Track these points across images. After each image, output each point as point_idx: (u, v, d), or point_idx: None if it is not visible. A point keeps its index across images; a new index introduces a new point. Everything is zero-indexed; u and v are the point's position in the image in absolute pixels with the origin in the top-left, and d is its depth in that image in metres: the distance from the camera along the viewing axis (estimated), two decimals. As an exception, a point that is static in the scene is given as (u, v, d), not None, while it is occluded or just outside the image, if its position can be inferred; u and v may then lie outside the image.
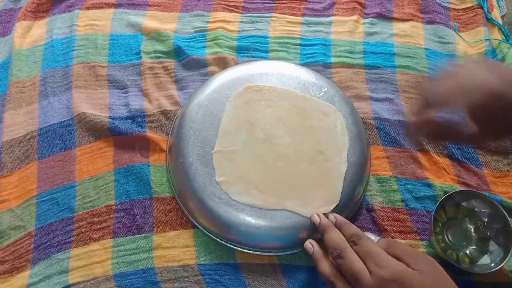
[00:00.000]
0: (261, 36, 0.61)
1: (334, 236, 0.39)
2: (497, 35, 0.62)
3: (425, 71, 0.59)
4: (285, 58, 0.60)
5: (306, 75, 0.54)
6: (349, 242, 0.38)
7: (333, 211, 0.45)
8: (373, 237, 0.39)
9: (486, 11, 0.64)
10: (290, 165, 0.47)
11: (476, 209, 0.47)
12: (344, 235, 0.39)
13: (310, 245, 0.41)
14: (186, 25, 0.63)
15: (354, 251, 0.37)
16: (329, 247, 0.39)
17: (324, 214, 0.44)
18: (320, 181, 0.46)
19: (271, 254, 0.46)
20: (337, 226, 0.41)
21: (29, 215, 0.49)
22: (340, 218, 0.43)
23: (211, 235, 0.47)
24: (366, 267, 0.35)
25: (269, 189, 0.46)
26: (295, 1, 0.65)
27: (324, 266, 0.38)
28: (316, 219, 0.43)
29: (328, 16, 0.64)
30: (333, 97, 0.52)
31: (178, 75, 0.58)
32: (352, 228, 0.40)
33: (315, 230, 0.45)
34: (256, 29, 0.62)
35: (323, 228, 0.41)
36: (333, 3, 0.65)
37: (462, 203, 0.47)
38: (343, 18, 0.63)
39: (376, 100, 0.56)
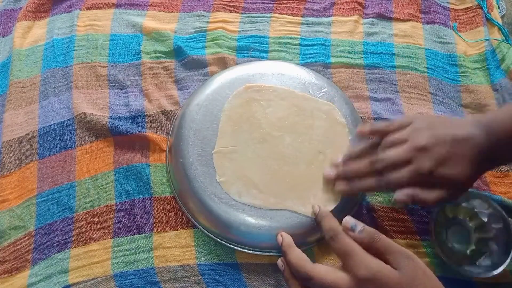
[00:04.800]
0: (261, 36, 0.61)
1: (294, 259, 0.38)
2: (496, 35, 0.62)
3: (425, 72, 0.59)
4: (285, 58, 0.60)
5: (306, 75, 0.54)
6: (326, 237, 0.37)
7: (333, 211, 0.45)
8: (355, 224, 0.36)
9: (485, 11, 0.64)
10: (290, 165, 0.47)
11: (476, 210, 0.47)
12: (322, 228, 0.39)
13: (282, 262, 0.40)
14: (186, 25, 0.63)
15: (332, 247, 0.36)
16: (293, 271, 0.37)
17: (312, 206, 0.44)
18: (320, 181, 0.46)
19: (271, 254, 0.46)
20: (318, 218, 0.41)
21: (29, 215, 0.49)
22: (322, 210, 0.42)
23: (211, 235, 0.47)
24: (344, 266, 0.35)
25: (269, 189, 0.46)
26: (295, 1, 0.65)
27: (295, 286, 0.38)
28: (279, 239, 0.42)
29: (328, 16, 0.64)
30: (333, 97, 0.52)
31: (178, 75, 0.58)
32: (331, 223, 0.39)
33: (315, 231, 0.45)
34: (256, 29, 0.62)
35: (283, 249, 0.40)
36: (333, 3, 0.65)
37: (462, 204, 0.47)
38: (343, 18, 0.63)
39: (376, 100, 0.56)
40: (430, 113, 0.55)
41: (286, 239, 0.41)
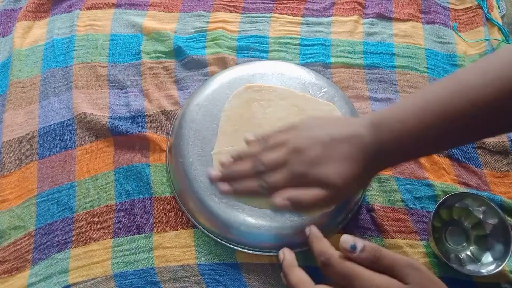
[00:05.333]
0: (261, 36, 0.61)
1: (294, 279, 0.35)
2: (496, 35, 0.62)
3: (425, 72, 0.59)
4: (285, 58, 0.60)
5: (306, 75, 0.54)
6: (319, 262, 0.35)
7: (333, 211, 0.45)
8: (354, 244, 0.33)
9: (485, 11, 0.64)
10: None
11: (470, 208, 0.47)
12: (312, 252, 0.36)
13: (283, 254, 0.39)
14: (186, 25, 0.63)
15: (329, 273, 0.34)
16: None
17: (308, 224, 0.40)
18: (320, 181, 0.46)
19: (271, 254, 0.46)
20: (308, 240, 0.38)
21: (29, 215, 0.49)
22: (313, 231, 0.38)
23: (211, 235, 0.47)
24: None
25: (269, 189, 0.46)
26: (295, 1, 0.65)
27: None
28: (281, 257, 0.39)
29: (328, 16, 0.64)
30: (333, 97, 0.52)
31: (178, 75, 0.58)
32: (321, 246, 0.35)
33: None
34: (256, 29, 0.62)
35: (284, 269, 0.37)
36: (333, 3, 0.65)
37: (455, 204, 0.47)
38: (343, 18, 0.63)
39: (376, 100, 0.56)
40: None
41: (288, 258, 0.38)
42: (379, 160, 0.37)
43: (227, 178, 0.42)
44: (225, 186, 0.42)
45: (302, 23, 0.63)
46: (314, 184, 0.37)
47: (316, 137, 0.39)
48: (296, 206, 0.38)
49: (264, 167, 0.40)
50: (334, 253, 0.34)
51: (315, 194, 0.37)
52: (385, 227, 0.48)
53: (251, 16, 0.64)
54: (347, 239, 0.34)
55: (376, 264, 0.33)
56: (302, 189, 0.38)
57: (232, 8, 0.64)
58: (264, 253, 0.46)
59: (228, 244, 0.46)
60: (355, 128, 0.38)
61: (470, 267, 0.44)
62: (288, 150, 0.39)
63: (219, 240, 0.46)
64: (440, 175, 0.51)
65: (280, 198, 0.38)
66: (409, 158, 0.44)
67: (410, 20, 0.63)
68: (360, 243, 0.33)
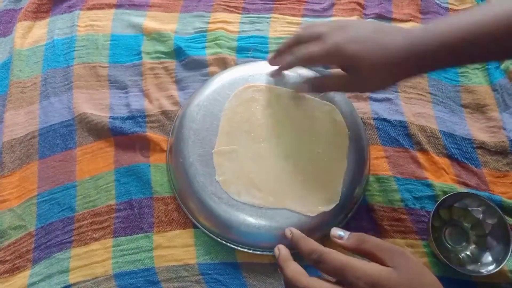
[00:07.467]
0: (261, 37, 0.62)
1: (290, 273, 0.36)
2: (496, 36, 0.62)
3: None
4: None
5: (306, 75, 0.54)
6: (309, 260, 0.35)
7: (333, 210, 0.45)
8: (342, 233, 0.37)
9: (485, 12, 0.64)
10: (290, 165, 0.47)
11: (469, 208, 0.47)
12: (301, 252, 0.37)
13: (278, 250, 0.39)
14: (187, 25, 0.63)
15: (321, 269, 0.34)
16: (290, 286, 0.35)
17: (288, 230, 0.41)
18: (320, 181, 0.47)
19: (271, 253, 0.46)
20: (293, 242, 0.39)
21: (30, 215, 0.49)
22: (295, 233, 0.39)
23: (211, 235, 0.47)
24: (341, 282, 0.33)
25: (269, 189, 0.46)
26: (295, 2, 0.65)
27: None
28: (276, 252, 0.39)
29: (328, 16, 0.64)
30: (333, 97, 0.52)
31: (179, 75, 0.58)
32: (309, 244, 0.36)
33: (314, 230, 0.45)
34: (256, 30, 0.62)
35: (280, 263, 0.38)
36: (333, 4, 0.65)
37: (455, 204, 0.47)
38: (342, 19, 0.64)
39: (376, 100, 0.56)
40: (430, 113, 0.55)
41: (283, 252, 0.38)
42: (410, 65, 0.39)
43: (277, 54, 0.49)
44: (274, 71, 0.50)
45: (302, 24, 0.63)
46: (343, 64, 0.41)
47: (363, 23, 0.44)
48: (317, 87, 0.45)
49: (304, 38, 0.43)
50: (323, 249, 0.35)
51: (337, 78, 0.42)
52: (385, 227, 0.48)
53: (251, 17, 0.64)
54: (336, 229, 0.37)
55: (359, 248, 0.35)
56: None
57: (232, 9, 0.64)
58: (264, 253, 0.46)
59: (228, 244, 0.46)
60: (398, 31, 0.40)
61: (470, 267, 0.45)
62: (332, 26, 0.42)
63: (219, 239, 0.47)
64: (440, 175, 0.51)
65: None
66: (439, 67, 0.45)
67: (410, 20, 0.64)
68: (347, 232, 0.37)
